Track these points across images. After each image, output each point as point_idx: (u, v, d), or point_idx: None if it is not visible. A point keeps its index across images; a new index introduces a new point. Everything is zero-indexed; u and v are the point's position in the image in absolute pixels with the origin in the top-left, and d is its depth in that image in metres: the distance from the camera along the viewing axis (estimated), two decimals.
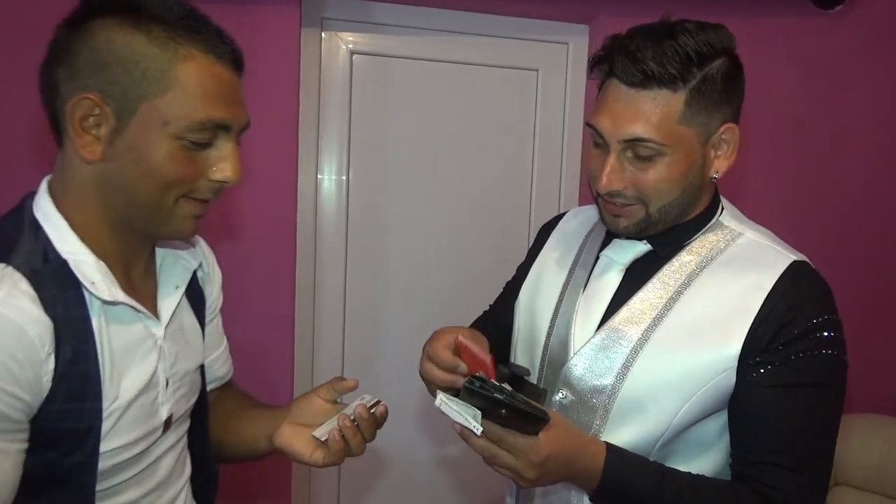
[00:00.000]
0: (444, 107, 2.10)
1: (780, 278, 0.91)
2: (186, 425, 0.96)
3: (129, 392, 0.80)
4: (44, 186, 0.81)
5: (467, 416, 0.81)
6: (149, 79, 0.74)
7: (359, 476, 2.16)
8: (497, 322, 1.21)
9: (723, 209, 1.01)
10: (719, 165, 0.93)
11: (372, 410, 0.95)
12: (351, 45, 2.02)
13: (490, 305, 1.29)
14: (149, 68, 0.74)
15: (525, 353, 1.10)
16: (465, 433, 0.82)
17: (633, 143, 0.88)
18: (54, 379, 0.72)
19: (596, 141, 0.93)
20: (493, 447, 0.83)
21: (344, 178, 2.07)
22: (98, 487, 0.78)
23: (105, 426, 0.77)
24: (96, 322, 0.77)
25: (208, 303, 1.01)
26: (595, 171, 0.93)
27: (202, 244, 1.02)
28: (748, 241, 0.97)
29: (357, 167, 2.07)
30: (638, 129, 0.87)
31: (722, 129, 0.91)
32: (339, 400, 1.01)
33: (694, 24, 0.88)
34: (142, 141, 0.75)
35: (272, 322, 1.90)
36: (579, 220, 1.15)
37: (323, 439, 0.94)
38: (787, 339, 0.88)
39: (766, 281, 0.91)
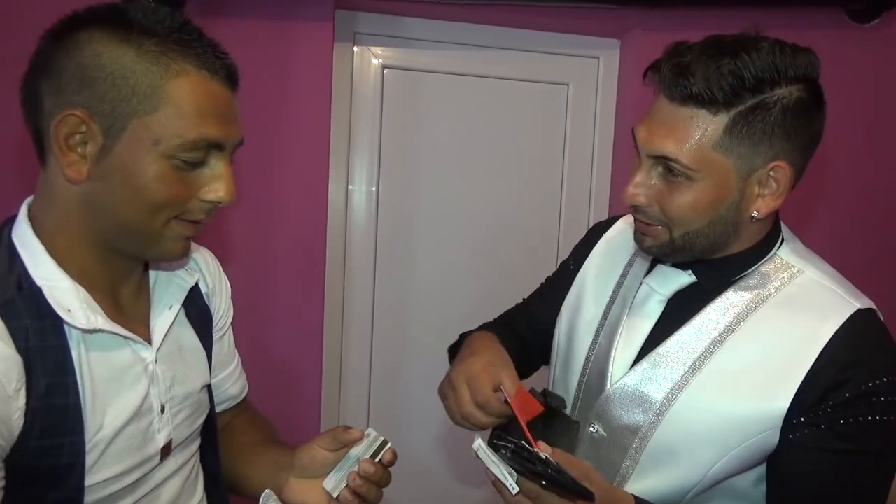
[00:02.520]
0: (473, 121, 2.11)
1: (838, 330, 0.82)
2: (195, 446, 0.92)
3: (115, 422, 0.75)
4: (23, 210, 0.77)
5: (504, 472, 0.79)
6: (139, 95, 0.70)
7: None
8: (533, 318, 1.16)
9: (783, 241, 0.92)
10: (761, 205, 0.84)
11: (378, 458, 0.89)
12: (382, 60, 2.04)
13: (525, 299, 1.23)
14: (139, 84, 0.70)
15: (562, 373, 1.06)
16: (498, 485, 0.79)
17: (662, 159, 0.82)
18: (27, 414, 0.68)
19: (636, 148, 0.88)
20: (527, 502, 0.79)
21: (374, 189, 2.09)
22: None
23: (89, 459, 0.73)
24: (76, 351, 0.72)
25: (216, 319, 0.96)
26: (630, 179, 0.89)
27: (205, 257, 0.97)
28: (809, 281, 0.88)
29: (387, 179, 2.09)
30: (668, 147, 0.81)
31: (770, 165, 0.82)
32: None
33: (772, 43, 0.80)
34: (131, 160, 0.71)
35: (302, 331, 1.92)
36: (629, 234, 1.06)
37: (335, 494, 0.89)
38: (837, 401, 0.80)
39: (823, 331, 0.82)
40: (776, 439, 0.83)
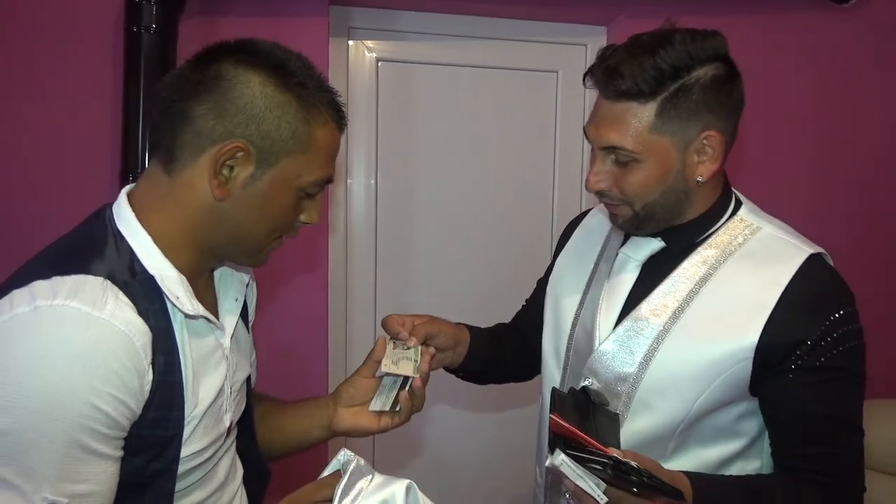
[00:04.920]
0: (467, 110, 2.16)
1: (795, 274, 0.95)
2: (237, 427, 0.99)
3: (205, 400, 0.83)
4: (125, 200, 0.83)
5: (591, 484, 0.83)
6: (296, 139, 0.80)
7: (392, 455, 2.22)
8: (532, 315, 1.28)
9: (741, 204, 1.05)
10: (703, 170, 0.96)
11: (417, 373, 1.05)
12: (376, 53, 2.09)
13: (526, 300, 1.36)
14: (298, 130, 0.80)
15: (551, 340, 1.17)
16: (582, 494, 0.85)
17: (611, 149, 0.95)
18: (152, 388, 0.75)
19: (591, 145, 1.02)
20: None
21: (372, 181, 2.14)
22: (175, 491, 0.82)
23: (186, 433, 0.80)
24: (179, 334, 0.80)
25: (250, 309, 1.05)
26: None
27: None
28: (766, 235, 1.01)
29: (384, 171, 2.14)
30: (613, 138, 0.94)
31: (702, 135, 0.94)
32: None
33: (683, 34, 0.92)
34: (272, 190, 0.81)
35: (308, 322, 1.97)
36: (603, 217, 1.20)
37: (387, 409, 1.04)
38: (812, 341, 0.92)
39: (782, 276, 0.95)
40: (749, 370, 0.95)
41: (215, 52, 0.82)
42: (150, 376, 0.75)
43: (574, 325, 1.11)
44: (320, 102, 0.82)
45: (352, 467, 0.77)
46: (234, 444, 0.99)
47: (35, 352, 0.68)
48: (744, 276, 0.98)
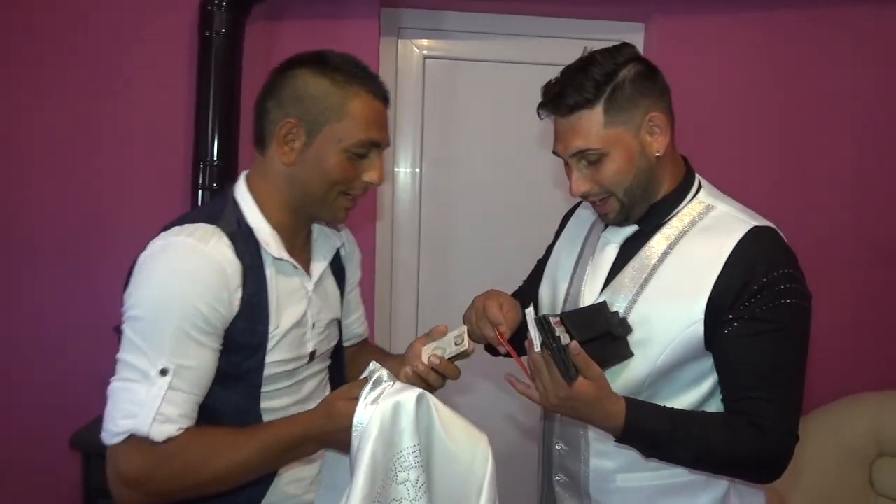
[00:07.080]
0: (508, 103, 2.28)
1: (739, 241, 1.09)
2: (327, 363, 1.26)
3: (286, 323, 1.10)
4: (243, 177, 1.14)
5: (536, 337, 1.06)
6: (331, 109, 1.06)
7: None
8: (531, 292, 1.43)
9: (700, 187, 1.20)
10: (657, 145, 1.13)
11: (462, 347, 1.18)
12: (424, 51, 2.24)
13: (524, 281, 1.54)
14: (331, 103, 1.06)
15: (548, 312, 1.31)
16: (530, 345, 1.08)
17: (580, 154, 1.12)
18: (241, 305, 1.03)
19: (564, 161, 1.18)
20: (539, 368, 1.07)
21: (417, 170, 2.29)
22: (262, 389, 1.09)
23: (270, 344, 1.07)
24: (269, 271, 1.08)
25: (348, 276, 1.32)
26: (569, 182, 1.18)
27: (348, 232, 1.35)
28: (720, 213, 1.16)
29: (429, 161, 2.29)
30: (579, 143, 1.11)
31: (647, 117, 1.11)
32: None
33: (601, 51, 1.12)
34: (322, 152, 1.07)
35: None
36: (590, 210, 1.37)
37: (439, 354, 1.18)
38: (751, 294, 1.06)
39: (727, 244, 1.09)
40: (701, 331, 1.09)
41: (282, 64, 1.12)
42: (238, 295, 1.03)
43: (566, 298, 1.28)
44: (352, 80, 1.07)
45: (376, 375, 0.98)
46: (324, 373, 1.25)
47: (162, 267, 1.00)
48: (697, 248, 1.13)
